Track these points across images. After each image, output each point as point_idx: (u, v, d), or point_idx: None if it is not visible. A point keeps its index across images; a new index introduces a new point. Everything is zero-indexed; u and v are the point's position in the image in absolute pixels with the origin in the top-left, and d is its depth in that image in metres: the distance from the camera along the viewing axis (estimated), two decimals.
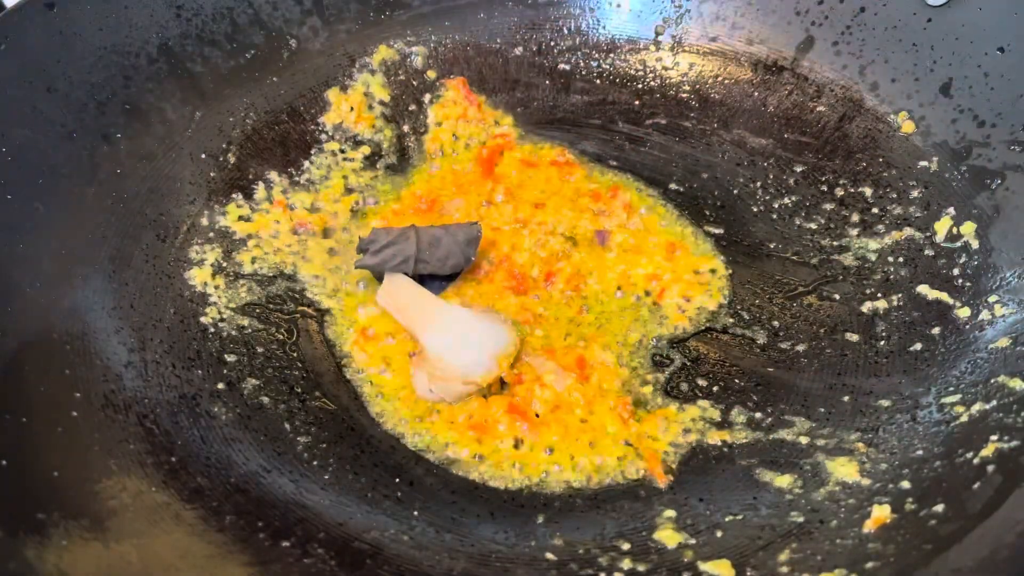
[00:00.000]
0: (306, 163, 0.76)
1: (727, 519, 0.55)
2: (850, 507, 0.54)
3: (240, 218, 0.72)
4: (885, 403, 0.60)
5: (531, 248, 0.70)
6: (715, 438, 0.60)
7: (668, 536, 0.54)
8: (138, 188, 0.69)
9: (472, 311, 0.64)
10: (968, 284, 0.65)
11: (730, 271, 0.70)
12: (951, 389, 0.59)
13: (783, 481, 0.57)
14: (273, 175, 0.74)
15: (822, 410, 0.61)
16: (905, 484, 0.54)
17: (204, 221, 0.71)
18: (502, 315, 0.66)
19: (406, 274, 0.66)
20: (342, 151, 0.77)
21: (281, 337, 0.66)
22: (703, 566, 0.52)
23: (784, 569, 0.51)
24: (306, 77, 0.79)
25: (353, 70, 0.80)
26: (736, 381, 0.63)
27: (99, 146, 0.68)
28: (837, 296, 0.67)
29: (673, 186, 0.75)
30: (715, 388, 0.63)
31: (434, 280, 0.68)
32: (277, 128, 0.77)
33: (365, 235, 0.68)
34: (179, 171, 0.71)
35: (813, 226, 0.71)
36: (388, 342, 0.65)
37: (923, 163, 0.71)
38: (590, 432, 0.60)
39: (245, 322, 0.66)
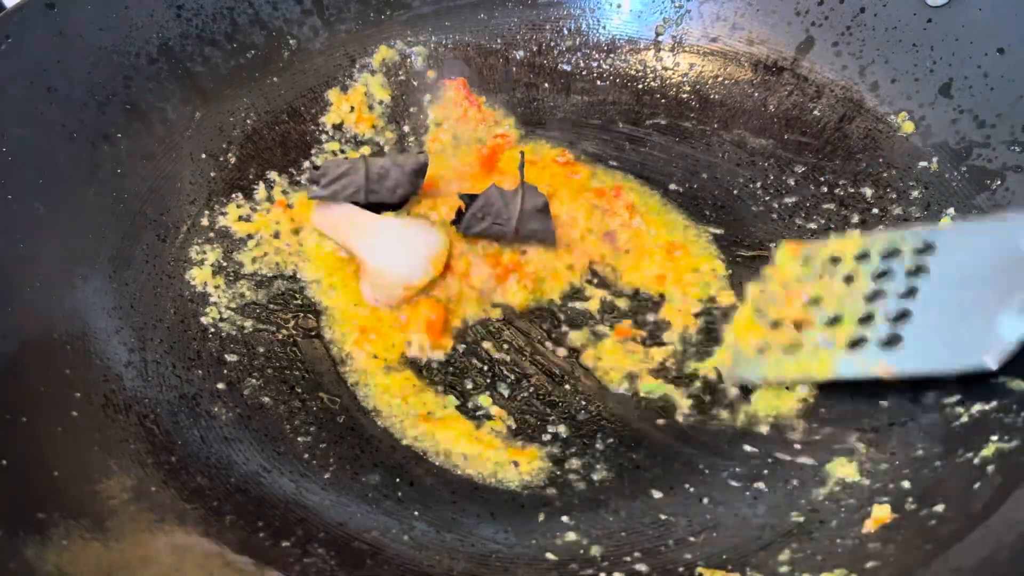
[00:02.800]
0: (306, 163, 0.76)
1: (727, 519, 0.55)
2: (850, 507, 0.54)
3: (240, 218, 0.72)
4: (885, 403, 0.60)
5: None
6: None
7: (668, 536, 0.54)
8: (138, 188, 0.69)
9: (401, 219, 0.68)
10: None
11: (730, 271, 0.69)
12: (951, 389, 0.59)
13: (783, 481, 0.57)
14: (273, 175, 0.75)
15: (822, 410, 0.61)
16: (905, 484, 0.54)
17: (204, 221, 0.71)
18: (430, 219, 0.69)
19: (358, 203, 0.69)
20: (342, 151, 0.77)
21: (281, 337, 0.66)
22: (703, 566, 0.52)
23: (784, 569, 0.51)
24: (306, 77, 0.79)
25: (353, 70, 0.80)
26: None
27: (99, 146, 0.68)
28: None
29: (673, 186, 0.75)
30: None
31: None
32: (277, 128, 0.77)
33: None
34: (179, 171, 0.72)
35: (813, 226, 0.71)
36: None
37: (923, 163, 0.71)
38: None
39: (245, 322, 0.66)
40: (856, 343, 0.56)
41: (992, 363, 0.49)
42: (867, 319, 0.57)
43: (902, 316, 0.55)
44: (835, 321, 0.58)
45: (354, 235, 0.68)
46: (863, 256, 0.61)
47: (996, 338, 0.49)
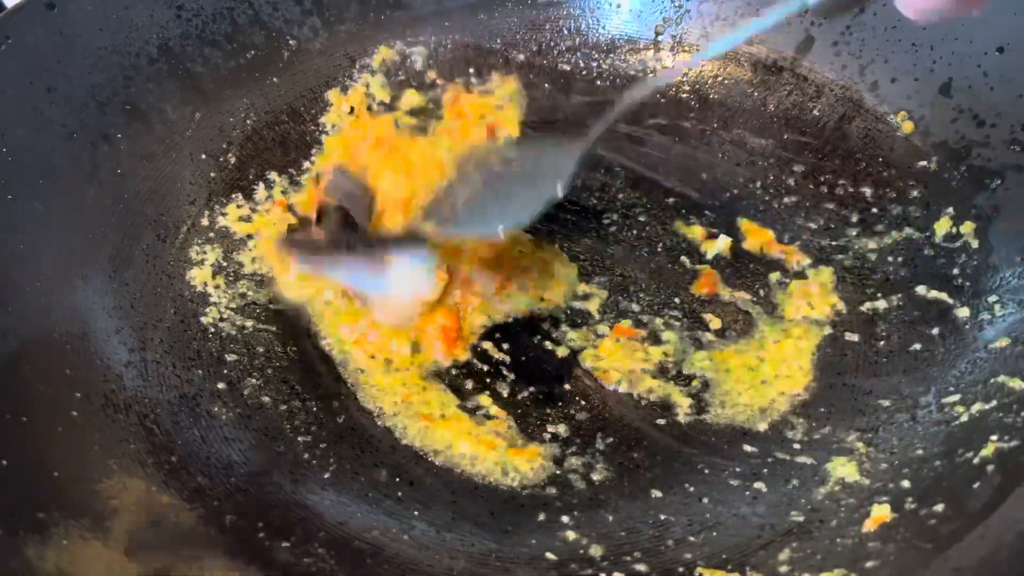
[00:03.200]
0: (306, 163, 0.76)
1: (727, 518, 0.55)
2: (850, 506, 0.54)
3: (240, 218, 0.72)
4: (885, 403, 0.60)
5: None
6: None
7: (668, 535, 0.54)
8: (138, 188, 0.69)
9: (389, 244, 0.66)
10: (968, 284, 0.65)
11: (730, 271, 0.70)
12: (951, 389, 0.59)
13: (782, 481, 0.57)
14: (273, 175, 0.75)
15: (822, 410, 0.61)
16: (905, 483, 0.54)
17: (204, 221, 0.71)
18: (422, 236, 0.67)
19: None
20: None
21: (281, 337, 0.66)
22: (703, 566, 0.52)
23: (784, 568, 0.51)
24: (306, 77, 0.79)
25: (353, 71, 0.80)
26: None
27: (99, 146, 0.68)
28: (837, 296, 0.67)
29: (672, 186, 0.75)
30: None
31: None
32: (277, 128, 0.77)
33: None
34: (179, 171, 0.72)
35: (813, 226, 0.71)
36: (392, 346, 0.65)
37: (923, 163, 0.71)
38: None
39: (246, 322, 0.66)
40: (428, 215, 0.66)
41: (500, 233, 0.62)
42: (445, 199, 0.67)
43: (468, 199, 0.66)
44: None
45: (344, 279, 0.66)
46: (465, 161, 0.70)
47: (513, 218, 0.62)
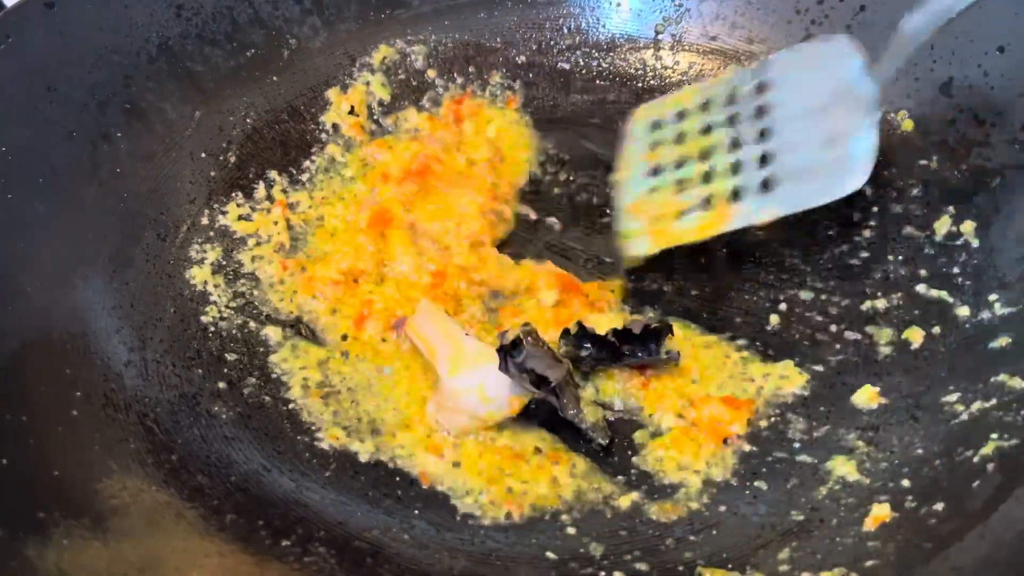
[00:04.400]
0: (306, 163, 0.76)
1: (727, 518, 0.55)
2: (850, 506, 0.54)
3: (240, 217, 0.72)
4: (885, 402, 0.60)
5: None
6: None
7: (668, 535, 0.54)
8: (138, 188, 0.69)
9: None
10: (968, 283, 0.64)
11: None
12: (951, 388, 0.59)
13: (782, 480, 0.57)
14: (273, 174, 0.75)
15: (822, 409, 0.61)
16: (905, 483, 0.54)
17: (204, 220, 0.71)
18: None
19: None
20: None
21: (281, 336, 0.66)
22: (703, 565, 0.52)
23: (784, 567, 0.51)
24: (306, 76, 0.79)
25: (353, 69, 0.80)
26: None
27: (99, 146, 0.68)
28: (837, 296, 0.67)
29: None
30: None
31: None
32: (277, 127, 0.77)
33: None
34: (179, 171, 0.72)
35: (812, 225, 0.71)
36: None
37: (923, 161, 0.71)
38: None
39: (246, 321, 0.66)
40: (737, 194, 0.55)
41: (862, 181, 0.50)
42: (737, 168, 0.57)
43: (765, 159, 0.55)
44: (708, 177, 0.58)
45: (442, 350, 0.61)
46: (705, 105, 0.62)
47: (855, 158, 0.50)
